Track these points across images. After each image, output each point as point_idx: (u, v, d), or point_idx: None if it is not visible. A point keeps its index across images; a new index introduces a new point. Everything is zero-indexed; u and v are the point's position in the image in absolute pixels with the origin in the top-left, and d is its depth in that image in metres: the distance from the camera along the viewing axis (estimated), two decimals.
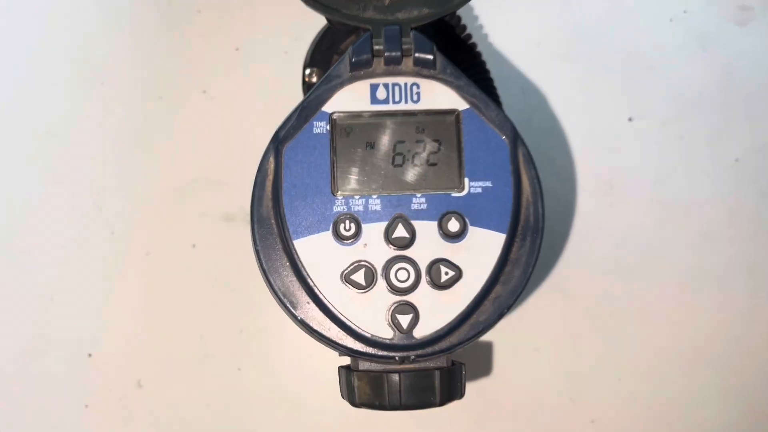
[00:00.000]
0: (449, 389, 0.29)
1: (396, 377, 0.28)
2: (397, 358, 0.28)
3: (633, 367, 0.38)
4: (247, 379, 0.38)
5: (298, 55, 0.39)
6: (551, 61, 0.40)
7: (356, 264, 0.28)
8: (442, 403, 0.28)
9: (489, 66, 0.37)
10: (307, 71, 0.39)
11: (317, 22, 0.38)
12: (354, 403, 0.29)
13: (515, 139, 0.29)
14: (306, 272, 0.28)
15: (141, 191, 0.39)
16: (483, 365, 0.38)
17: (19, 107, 0.39)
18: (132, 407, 0.37)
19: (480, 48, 0.37)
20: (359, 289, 0.28)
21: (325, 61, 0.39)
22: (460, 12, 0.34)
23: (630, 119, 0.40)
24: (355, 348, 0.28)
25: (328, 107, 0.28)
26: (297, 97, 0.39)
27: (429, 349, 0.28)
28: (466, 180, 0.28)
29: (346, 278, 0.28)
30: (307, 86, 0.39)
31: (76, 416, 0.37)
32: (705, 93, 0.40)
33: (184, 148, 0.39)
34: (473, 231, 0.28)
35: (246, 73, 0.39)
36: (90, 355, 0.37)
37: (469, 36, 0.35)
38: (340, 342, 0.28)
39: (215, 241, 0.38)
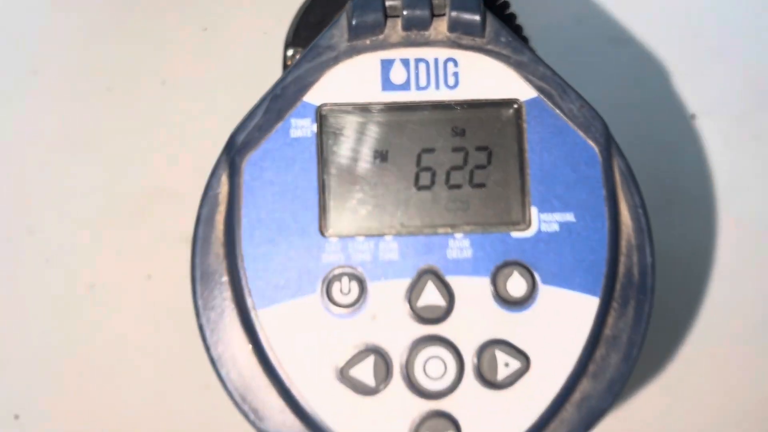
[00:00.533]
0: None
1: None
2: None
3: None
4: None
5: (279, 35, 0.35)
6: (594, 43, 0.37)
7: (360, 350, 0.21)
8: None
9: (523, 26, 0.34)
10: (290, 52, 0.34)
11: None
12: None
13: (609, 146, 0.22)
14: (279, 362, 0.21)
15: (83, 208, 0.35)
16: None
17: None
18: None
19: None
20: (365, 391, 0.21)
21: (314, 38, 0.33)
22: None
23: (693, 116, 0.37)
24: None
25: (313, 96, 0.22)
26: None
27: None
28: (534, 211, 0.22)
29: (344, 373, 0.21)
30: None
31: None
32: None
33: (137, 153, 0.36)
34: (547, 294, 0.21)
35: (215, 58, 0.37)
36: (17, 417, 0.34)
37: (514, 15, 0.29)
38: None
39: (174, 270, 0.34)
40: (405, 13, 0.21)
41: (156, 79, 0.37)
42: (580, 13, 0.38)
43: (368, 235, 0.21)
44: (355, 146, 0.22)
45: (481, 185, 0.22)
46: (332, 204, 0.22)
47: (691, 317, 0.36)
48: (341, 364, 0.21)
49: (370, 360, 0.21)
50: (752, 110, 0.37)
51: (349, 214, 0.22)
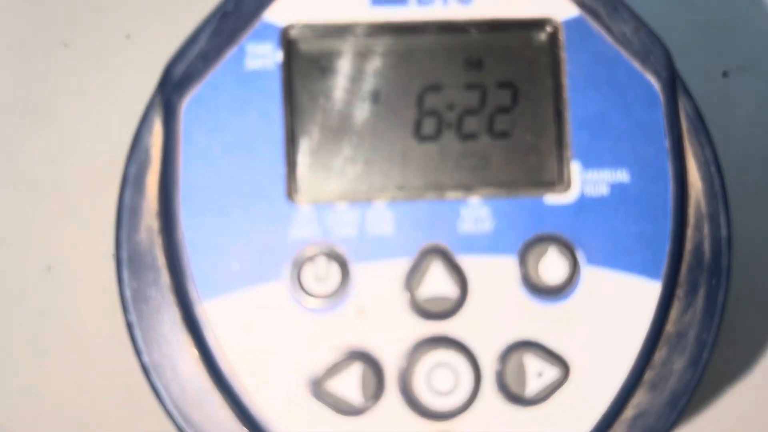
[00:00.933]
0: None
1: None
2: None
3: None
4: None
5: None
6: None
7: (343, 356, 0.17)
8: None
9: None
10: None
11: None
12: None
13: (673, 82, 0.18)
14: (232, 372, 0.17)
15: (39, 179, 0.32)
16: None
17: None
18: None
19: None
20: (349, 411, 0.17)
21: None
22: None
23: (725, 74, 0.34)
24: None
25: (277, 13, 0.18)
26: None
27: None
28: (576, 168, 0.18)
29: (322, 387, 0.17)
30: None
31: None
32: None
33: (99, 115, 0.32)
34: (592, 277, 0.18)
35: (184, 8, 0.32)
36: None
37: None
38: None
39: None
40: None
41: (119, 33, 0.33)
42: None
43: (353, 201, 0.18)
44: (335, 82, 0.18)
45: (505, 134, 0.18)
46: (304, 160, 0.18)
47: None
48: (317, 374, 0.17)
49: (356, 369, 0.17)
50: None
51: (328, 173, 0.18)
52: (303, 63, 0.18)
